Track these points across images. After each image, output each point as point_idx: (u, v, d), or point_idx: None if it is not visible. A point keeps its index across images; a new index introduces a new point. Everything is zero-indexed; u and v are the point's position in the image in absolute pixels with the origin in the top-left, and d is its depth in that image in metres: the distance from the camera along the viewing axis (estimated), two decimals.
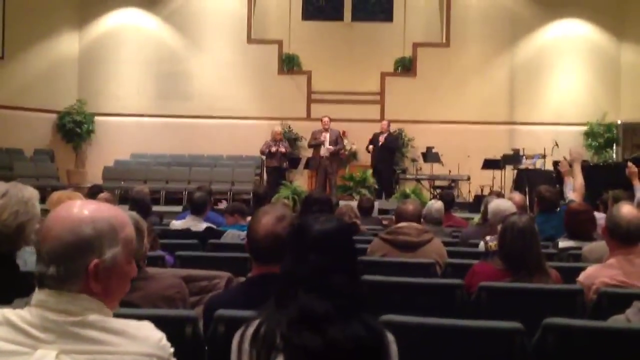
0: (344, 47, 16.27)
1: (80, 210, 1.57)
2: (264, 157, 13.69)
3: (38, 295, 1.53)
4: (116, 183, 14.02)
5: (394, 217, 4.80)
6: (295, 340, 1.66)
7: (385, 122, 13.36)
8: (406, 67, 16.35)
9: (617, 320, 2.38)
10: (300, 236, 1.83)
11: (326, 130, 12.60)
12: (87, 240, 1.54)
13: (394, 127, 14.85)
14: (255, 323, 1.75)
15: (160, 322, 1.68)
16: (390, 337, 1.78)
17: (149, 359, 1.53)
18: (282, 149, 12.96)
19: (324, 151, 12.53)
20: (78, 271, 1.53)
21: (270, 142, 13.06)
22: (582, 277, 3.30)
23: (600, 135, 15.52)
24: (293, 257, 1.82)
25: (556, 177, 11.86)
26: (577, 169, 5.87)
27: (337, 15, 16.94)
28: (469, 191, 14.59)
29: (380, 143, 12.86)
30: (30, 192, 2.33)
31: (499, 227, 3.45)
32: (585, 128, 15.69)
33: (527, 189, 10.94)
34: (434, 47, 16.34)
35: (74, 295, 1.52)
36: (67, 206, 1.59)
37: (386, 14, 17.03)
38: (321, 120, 12.89)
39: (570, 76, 16.01)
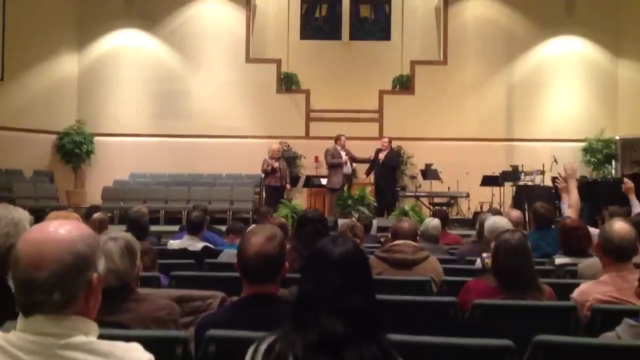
0: (342, 66, 16.35)
1: (64, 230, 1.57)
2: (263, 176, 13.72)
3: (25, 320, 1.52)
4: (115, 203, 14.04)
5: (389, 235, 4.80)
6: None
7: (385, 139, 13.31)
8: (404, 84, 16.42)
9: (607, 338, 2.38)
10: (320, 259, 1.85)
11: (343, 148, 12.71)
12: (84, 257, 1.55)
13: (393, 145, 14.88)
14: (270, 340, 1.76)
15: (150, 343, 1.68)
16: None
17: None
18: (280, 167, 13.05)
19: (346, 169, 12.70)
20: (79, 291, 1.54)
21: (269, 159, 13.10)
22: (575, 293, 3.30)
23: (598, 151, 15.55)
24: (313, 279, 1.83)
25: (555, 193, 11.90)
26: (572, 185, 5.87)
27: (335, 35, 17.03)
28: (469, 208, 14.60)
29: (381, 161, 12.87)
30: (20, 214, 2.33)
31: (492, 244, 3.46)
32: (583, 144, 15.73)
33: (526, 205, 10.93)
34: (432, 64, 16.43)
35: (66, 317, 1.52)
36: (43, 230, 1.57)
37: (384, 33, 17.14)
38: (338, 139, 12.94)
39: (568, 93, 16.08)
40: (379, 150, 13.04)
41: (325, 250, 1.86)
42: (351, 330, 1.70)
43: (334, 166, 12.73)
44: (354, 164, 14.60)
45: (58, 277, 1.50)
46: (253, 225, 2.81)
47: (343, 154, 12.73)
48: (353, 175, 14.89)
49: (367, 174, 13.33)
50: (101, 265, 1.61)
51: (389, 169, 13.01)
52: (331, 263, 1.82)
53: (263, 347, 1.75)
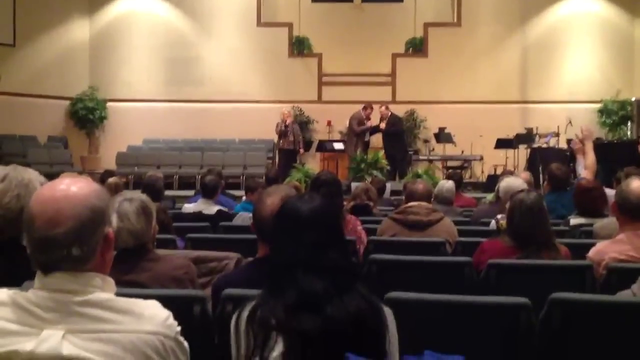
0: (354, 29, 16.17)
1: (77, 187, 1.56)
2: (276, 141, 13.76)
3: (44, 278, 1.53)
4: (129, 168, 14.11)
5: (404, 198, 4.79)
6: (294, 325, 1.66)
7: (383, 108, 13.07)
8: (417, 47, 16.25)
9: (623, 295, 2.37)
10: (291, 218, 1.83)
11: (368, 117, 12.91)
12: (99, 212, 1.56)
13: (406, 108, 14.83)
14: (250, 306, 1.76)
15: (168, 302, 1.68)
16: (389, 311, 1.79)
17: (155, 337, 1.53)
18: (292, 122, 13.19)
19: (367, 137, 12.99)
20: (96, 246, 1.55)
21: (281, 122, 13.15)
22: (591, 252, 3.29)
23: (614, 113, 15.39)
24: (285, 239, 1.82)
25: (570, 155, 11.81)
26: (589, 146, 5.83)
27: None
28: (482, 171, 14.54)
29: (383, 130, 12.85)
30: (30, 174, 2.32)
31: (507, 205, 3.44)
32: (599, 105, 15.55)
33: (540, 168, 10.87)
34: (445, 27, 16.22)
35: (83, 274, 1.53)
36: (56, 187, 1.57)
37: None
38: (366, 109, 13.03)
39: (583, 54, 15.85)
40: (379, 124, 13.01)
41: (295, 209, 1.84)
42: (330, 286, 1.70)
43: (362, 132, 12.95)
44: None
45: (76, 232, 1.51)
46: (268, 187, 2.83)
47: (368, 124, 12.86)
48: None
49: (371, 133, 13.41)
50: (114, 220, 1.62)
51: (393, 136, 12.95)
52: (302, 221, 1.81)
53: (245, 314, 1.75)
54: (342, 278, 1.74)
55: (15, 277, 1.78)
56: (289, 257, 1.76)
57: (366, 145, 13.11)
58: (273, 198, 2.46)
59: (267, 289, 1.77)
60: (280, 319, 1.68)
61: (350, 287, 1.73)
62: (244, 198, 6.64)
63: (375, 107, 13.12)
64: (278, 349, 1.66)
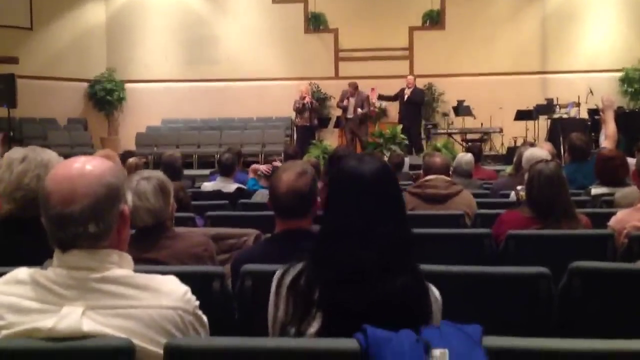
0: (370, 3, 16.00)
1: (92, 165, 1.57)
2: (294, 118, 13.76)
3: (62, 256, 1.54)
4: (149, 149, 14.20)
5: (421, 171, 4.76)
6: (339, 300, 1.55)
7: (411, 77, 13.34)
8: (434, 20, 16.07)
9: None
10: (348, 181, 1.65)
11: (352, 95, 12.67)
12: (115, 189, 1.57)
13: (424, 82, 14.71)
14: (295, 271, 1.68)
15: (188, 278, 1.70)
16: (435, 292, 1.68)
17: (173, 312, 1.56)
18: (310, 100, 13.16)
19: (349, 113, 12.83)
20: (112, 223, 1.56)
21: (300, 100, 13.15)
22: (612, 221, 3.26)
23: (635, 81, 15.13)
24: (340, 206, 1.64)
25: (591, 125, 11.68)
26: (610, 116, 5.76)
27: None
28: (502, 143, 14.43)
29: (406, 97, 12.82)
30: (49, 155, 2.35)
31: (526, 176, 3.41)
32: (620, 74, 15.29)
33: (561, 139, 10.75)
34: None
35: (100, 250, 1.55)
36: (71, 165, 1.58)
37: None
38: (351, 86, 12.99)
39: (604, 21, 15.55)
40: (403, 90, 12.99)
41: (352, 171, 1.64)
42: (385, 260, 1.56)
43: (339, 107, 13.18)
44: (384, 103, 14.58)
45: (92, 209, 1.52)
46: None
47: (352, 100, 12.78)
48: (383, 113, 14.89)
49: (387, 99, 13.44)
50: (132, 199, 1.64)
51: (413, 106, 12.93)
52: (363, 185, 1.62)
53: (288, 280, 1.68)
54: (397, 251, 1.59)
55: (38, 256, 1.81)
56: (345, 225, 1.60)
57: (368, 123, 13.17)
58: (289, 173, 2.45)
59: (315, 257, 1.64)
60: (326, 291, 1.57)
61: (403, 262, 1.60)
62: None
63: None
64: (316, 325, 1.59)
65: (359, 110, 12.69)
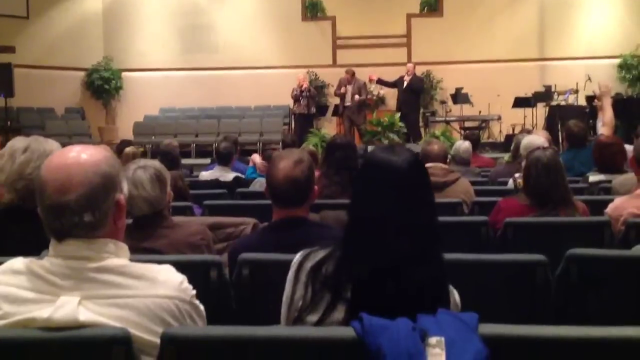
0: None
1: (87, 154, 1.57)
2: (292, 106, 13.75)
3: (58, 246, 1.54)
4: (147, 138, 14.18)
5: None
6: (378, 289, 1.54)
7: (410, 65, 13.33)
8: (432, 7, 16.00)
9: None
10: (382, 171, 1.63)
11: (349, 83, 12.65)
12: (111, 178, 1.57)
13: (422, 69, 14.67)
14: (316, 258, 1.66)
15: (185, 268, 1.70)
16: (456, 295, 1.68)
17: (170, 301, 1.55)
18: (308, 87, 13.21)
19: (347, 101, 12.80)
20: (108, 212, 1.56)
21: (297, 88, 13.13)
22: (609, 208, 3.27)
23: (634, 67, 15.10)
24: (374, 196, 1.62)
25: (589, 112, 11.67)
26: (607, 102, 5.76)
27: None
28: (500, 131, 14.41)
29: (404, 85, 12.81)
30: (52, 145, 2.35)
31: (523, 163, 3.41)
32: (618, 60, 15.25)
33: (559, 126, 10.75)
34: None
35: (97, 240, 1.54)
36: (66, 155, 1.57)
37: None
38: (349, 73, 12.94)
39: (602, 8, 15.48)
40: (402, 77, 13.01)
41: (386, 162, 1.62)
42: (420, 249, 1.56)
43: (337, 95, 13.18)
44: (382, 91, 14.57)
45: (88, 198, 1.52)
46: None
47: (350, 88, 12.74)
48: (381, 101, 14.88)
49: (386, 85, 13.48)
50: (125, 187, 1.63)
51: (412, 94, 12.93)
52: (398, 176, 1.60)
53: (309, 265, 1.66)
54: (430, 242, 1.60)
55: (37, 246, 1.81)
56: (379, 216, 1.58)
57: (366, 110, 13.20)
58: (286, 162, 2.45)
59: (346, 248, 1.63)
60: (361, 281, 1.56)
61: (433, 253, 1.60)
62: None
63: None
64: (339, 313, 1.58)
65: (357, 97, 12.67)
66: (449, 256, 2.34)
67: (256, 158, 6.13)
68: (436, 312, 1.50)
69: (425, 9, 16.07)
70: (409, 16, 15.90)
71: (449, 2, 15.84)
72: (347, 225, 1.68)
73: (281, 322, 1.72)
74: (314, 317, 1.61)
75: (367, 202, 1.63)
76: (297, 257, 1.72)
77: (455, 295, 1.68)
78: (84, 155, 1.56)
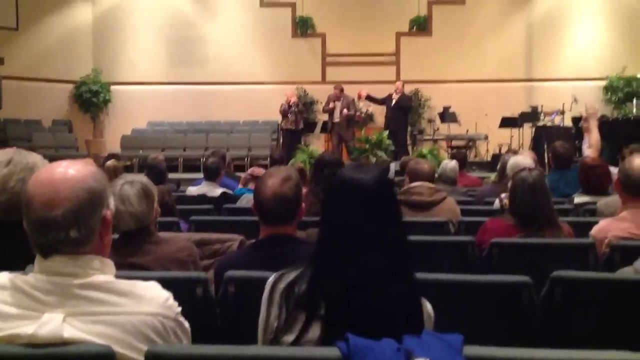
0: (357, 8, 16.03)
1: (74, 169, 1.57)
2: (280, 122, 13.78)
3: (43, 262, 1.53)
4: (134, 151, 14.14)
5: (406, 178, 4.78)
6: (350, 305, 1.55)
7: (399, 83, 13.40)
8: (421, 26, 16.14)
9: (625, 272, 2.37)
10: (350, 189, 1.66)
11: (338, 99, 12.69)
12: (97, 193, 1.56)
13: (410, 88, 14.77)
14: (289, 278, 1.68)
15: (170, 284, 1.69)
16: (429, 306, 1.70)
17: (155, 319, 1.55)
18: (296, 102, 13.25)
19: (335, 117, 12.79)
20: (94, 228, 1.55)
21: (285, 103, 13.17)
22: (594, 230, 3.29)
23: (620, 90, 15.27)
24: (344, 213, 1.65)
25: (575, 133, 11.76)
26: (593, 124, 5.80)
27: None
28: (487, 150, 14.50)
29: (393, 102, 12.86)
30: (35, 158, 2.33)
31: (509, 184, 3.44)
32: (604, 82, 15.43)
33: (545, 146, 10.82)
34: (449, 4, 16.07)
35: (82, 256, 1.54)
36: (53, 170, 1.57)
37: None
38: (337, 89, 12.99)
39: (589, 30, 15.68)
40: (391, 95, 13.09)
41: (354, 180, 1.67)
42: (390, 264, 1.58)
43: (325, 112, 13.21)
44: (370, 109, 14.64)
45: (74, 214, 1.51)
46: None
47: (338, 104, 12.77)
48: (370, 119, 14.94)
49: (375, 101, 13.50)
50: (111, 202, 1.63)
51: (401, 111, 12.98)
52: (366, 193, 1.64)
53: (282, 286, 1.68)
54: (400, 257, 1.62)
55: (21, 260, 1.79)
56: (349, 233, 1.61)
57: (355, 126, 13.21)
58: (274, 179, 2.45)
59: (317, 266, 1.65)
60: (332, 298, 1.57)
61: (404, 269, 1.62)
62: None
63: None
64: (314, 332, 1.59)
65: (345, 111, 12.68)
66: (434, 276, 2.38)
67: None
68: (421, 333, 1.51)
69: (415, 28, 16.21)
70: (398, 35, 16.03)
71: (437, 21, 15.99)
72: (318, 243, 1.70)
73: (258, 344, 1.72)
74: (289, 337, 1.62)
75: (337, 220, 1.67)
76: (271, 278, 1.73)
77: (427, 307, 1.70)
78: (71, 171, 1.56)
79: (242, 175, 6.28)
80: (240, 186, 5.99)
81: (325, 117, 13.52)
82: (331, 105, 12.83)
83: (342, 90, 12.96)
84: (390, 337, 1.46)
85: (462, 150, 10.40)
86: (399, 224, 1.70)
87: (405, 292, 1.59)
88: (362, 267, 1.58)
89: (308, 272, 1.66)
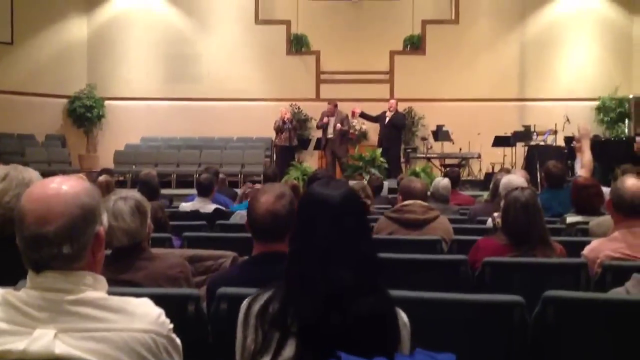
0: (352, 26, 16.15)
1: (68, 185, 1.57)
2: (274, 138, 13.80)
3: (36, 278, 1.53)
4: (127, 167, 14.12)
5: (399, 196, 4.79)
6: (320, 322, 1.56)
7: (393, 101, 13.42)
8: (415, 45, 16.24)
9: (616, 293, 2.38)
10: (319, 206, 1.68)
11: (332, 114, 12.70)
12: (91, 210, 1.56)
13: (404, 106, 14.85)
14: (262, 299, 1.68)
15: (162, 301, 1.68)
16: (404, 316, 1.70)
17: (147, 335, 1.54)
18: (290, 118, 13.26)
19: (329, 133, 12.76)
20: (87, 244, 1.55)
21: (279, 120, 13.19)
22: (586, 250, 3.30)
23: (612, 110, 15.39)
24: (313, 229, 1.66)
25: (567, 153, 11.83)
26: (586, 145, 5.83)
27: None
28: (480, 169, 14.54)
29: (387, 120, 12.90)
30: (31, 174, 2.33)
31: (501, 203, 3.45)
32: (597, 103, 15.55)
33: (537, 166, 10.88)
34: (443, 24, 16.20)
35: (75, 272, 1.53)
36: (47, 185, 1.57)
37: None
38: (331, 104, 13.03)
39: (582, 51, 15.84)
40: (384, 112, 13.11)
41: (323, 197, 1.69)
42: (360, 280, 1.59)
43: (319, 128, 13.17)
44: (364, 126, 14.69)
45: (67, 230, 1.51)
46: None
47: (332, 119, 12.77)
48: (363, 136, 14.98)
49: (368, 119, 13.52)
50: (105, 219, 1.63)
51: (394, 129, 13.02)
52: (333, 209, 1.67)
53: (256, 307, 1.68)
54: (370, 271, 1.63)
55: (14, 275, 1.79)
56: (317, 249, 1.63)
57: (349, 143, 13.23)
58: (267, 196, 2.46)
59: (287, 284, 1.66)
60: (303, 316, 1.58)
61: (375, 283, 1.63)
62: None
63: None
64: (289, 351, 1.59)
65: (339, 125, 12.66)
66: (426, 295, 2.38)
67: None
68: (396, 345, 1.54)
69: (409, 46, 16.31)
70: (393, 53, 16.12)
71: (431, 40, 16.10)
72: (288, 260, 1.72)
73: None
74: (267, 359, 1.62)
75: (306, 236, 1.68)
76: (245, 301, 1.74)
77: (402, 317, 1.70)
78: (65, 187, 1.56)
79: (239, 191, 6.30)
80: (236, 204, 6.00)
81: (319, 133, 13.52)
82: (325, 120, 12.82)
83: (336, 105, 12.97)
84: (372, 353, 1.47)
85: (455, 169, 10.41)
86: (368, 238, 1.73)
87: (376, 305, 1.60)
88: (331, 283, 1.58)
89: (280, 291, 1.67)
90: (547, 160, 7.57)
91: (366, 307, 1.58)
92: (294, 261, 1.69)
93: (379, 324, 1.59)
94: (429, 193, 5.52)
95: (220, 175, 7.72)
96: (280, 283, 1.69)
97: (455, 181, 7.35)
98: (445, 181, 6.19)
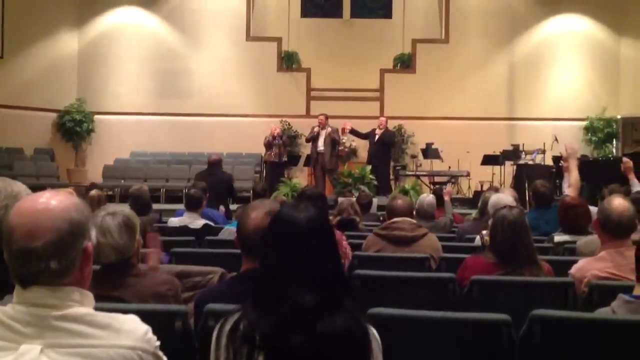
0: (343, 44, 16.27)
1: (57, 200, 1.56)
2: (264, 154, 13.78)
3: (22, 293, 1.52)
4: (116, 181, 14.08)
5: (385, 214, 4.80)
6: (281, 342, 1.59)
7: (383, 119, 13.45)
8: (405, 63, 16.35)
9: (602, 313, 2.39)
10: (286, 227, 1.73)
11: (322, 127, 12.65)
12: (79, 225, 1.55)
13: (394, 124, 14.91)
14: (233, 319, 1.70)
15: (150, 317, 1.68)
16: (374, 331, 1.73)
17: (133, 352, 1.53)
18: (280, 133, 13.21)
19: (319, 146, 12.59)
20: (75, 260, 1.54)
21: (269, 136, 13.19)
22: (573, 270, 3.32)
23: (600, 130, 15.53)
24: (278, 250, 1.71)
25: (556, 172, 11.89)
26: (573, 164, 5.85)
27: (336, 12, 16.96)
28: (469, 187, 14.60)
29: (376, 138, 12.92)
30: (19, 187, 2.32)
31: (490, 221, 3.47)
32: (585, 123, 15.69)
33: (526, 185, 10.93)
34: (433, 43, 16.34)
35: (62, 288, 1.52)
36: (36, 200, 1.57)
37: (385, 11, 17.05)
38: (321, 116, 13.00)
39: (570, 71, 16.01)
40: (374, 130, 13.13)
41: (290, 219, 1.74)
42: (323, 301, 1.63)
43: (308, 140, 13.03)
44: (354, 144, 14.72)
45: (55, 245, 1.50)
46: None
47: (323, 132, 12.63)
48: (353, 153, 15.01)
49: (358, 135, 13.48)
50: (93, 234, 1.62)
51: (383, 147, 13.04)
52: (298, 231, 1.71)
53: (227, 328, 1.69)
54: (334, 293, 1.67)
55: (1, 290, 1.78)
56: (281, 269, 1.68)
57: (339, 159, 13.19)
58: (257, 212, 2.46)
59: (253, 302, 1.68)
60: (266, 335, 1.60)
61: (340, 303, 1.67)
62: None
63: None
64: None
65: (329, 129, 12.58)
66: (414, 313, 2.38)
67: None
68: None
69: (399, 65, 16.42)
70: (383, 71, 16.22)
71: (421, 59, 16.22)
72: (256, 278, 1.76)
73: None
74: None
75: (273, 256, 1.73)
76: (217, 326, 1.75)
77: (374, 335, 1.71)
78: (54, 202, 1.56)
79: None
80: (234, 219, 5.99)
81: (309, 149, 13.49)
82: (315, 130, 12.66)
83: (327, 117, 12.89)
84: None
85: (441, 187, 10.45)
86: (334, 261, 1.75)
87: (342, 325, 1.62)
88: (293, 303, 1.62)
89: (248, 310, 1.69)
90: (535, 179, 7.61)
91: (331, 327, 1.60)
92: (259, 281, 1.73)
93: (348, 343, 1.62)
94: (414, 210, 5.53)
95: None
96: (248, 301, 1.71)
97: (441, 199, 7.37)
98: (430, 197, 6.21)
